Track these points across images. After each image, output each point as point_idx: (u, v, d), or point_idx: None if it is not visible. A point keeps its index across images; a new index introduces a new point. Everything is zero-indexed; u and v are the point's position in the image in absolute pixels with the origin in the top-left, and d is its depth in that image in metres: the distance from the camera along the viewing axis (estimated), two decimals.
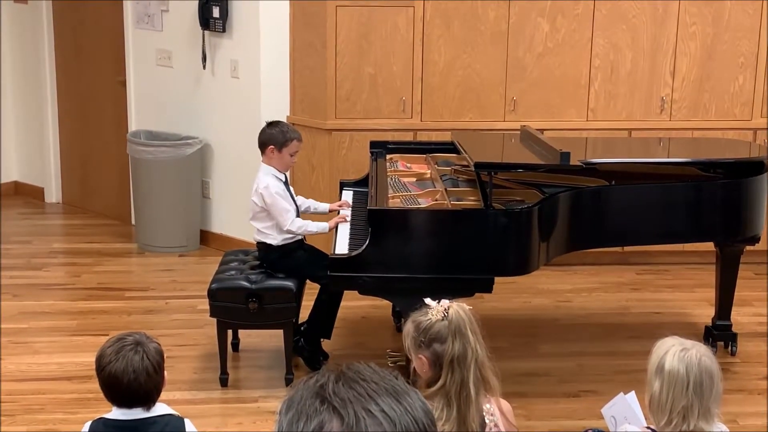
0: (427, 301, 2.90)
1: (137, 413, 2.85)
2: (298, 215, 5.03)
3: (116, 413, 2.87)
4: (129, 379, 2.79)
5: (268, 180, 4.95)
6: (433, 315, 2.82)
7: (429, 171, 5.27)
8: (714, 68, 6.44)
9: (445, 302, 2.87)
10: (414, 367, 2.86)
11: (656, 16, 6.35)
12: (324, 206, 5.26)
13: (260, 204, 4.96)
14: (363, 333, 5.57)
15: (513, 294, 6.01)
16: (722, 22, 6.38)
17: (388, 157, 5.49)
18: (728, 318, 5.31)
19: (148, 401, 2.85)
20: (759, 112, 6.49)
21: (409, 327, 2.87)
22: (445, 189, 4.80)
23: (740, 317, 5.58)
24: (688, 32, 6.38)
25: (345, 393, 1.23)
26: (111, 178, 7.52)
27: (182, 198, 6.81)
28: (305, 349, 5.11)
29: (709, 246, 5.37)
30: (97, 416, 2.93)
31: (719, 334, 5.31)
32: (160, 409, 2.89)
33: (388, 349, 5.02)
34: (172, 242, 6.84)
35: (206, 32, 6.57)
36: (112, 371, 2.80)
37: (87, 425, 2.92)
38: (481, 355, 2.81)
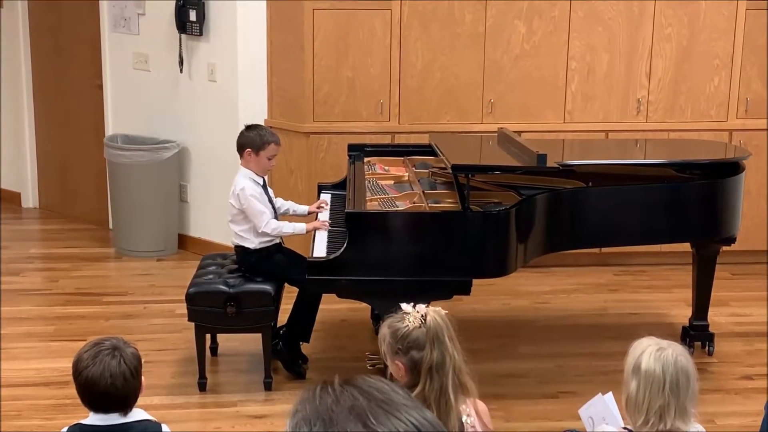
0: (403, 306, 2.87)
1: (114, 419, 2.83)
2: (276, 217, 5.02)
3: (93, 419, 2.85)
4: (106, 383, 2.77)
5: (244, 182, 4.94)
6: (410, 322, 2.79)
7: (407, 174, 5.27)
8: (690, 70, 6.48)
9: (421, 308, 2.83)
10: (390, 372, 2.84)
11: (632, 17, 6.38)
12: (303, 208, 5.26)
13: (237, 206, 4.95)
14: (342, 336, 5.57)
15: (491, 296, 6.02)
16: (697, 24, 6.41)
17: (366, 159, 5.50)
18: (705, 318, 5.34)
19: (125, 406, 2.84)
20: (734, 113, 6.53)
21: (384, 332, 2.83)
22: (423, 191, 4.80)
23: (717, 317, 5.61)
24: (663, 34, 6.41)
25: (327, 397, 1.26)
26: (88, 182, 7.49)
27: (160, 202, 6.78)
28: (284, 352, 5.10)
29: (686, 247, 5.40)
30: (74, 422, 2.91)
31: (696, 335, 5.33)
32: (137, 414, 2.88)
33: (367, 352, 5.01)
34: (150, 246, 6.81)
35: (183, 35, 6.55)
36: (89, 376, 2.78)
37: (64, 431, 2.90)
38: (458, 360, 2.79)
